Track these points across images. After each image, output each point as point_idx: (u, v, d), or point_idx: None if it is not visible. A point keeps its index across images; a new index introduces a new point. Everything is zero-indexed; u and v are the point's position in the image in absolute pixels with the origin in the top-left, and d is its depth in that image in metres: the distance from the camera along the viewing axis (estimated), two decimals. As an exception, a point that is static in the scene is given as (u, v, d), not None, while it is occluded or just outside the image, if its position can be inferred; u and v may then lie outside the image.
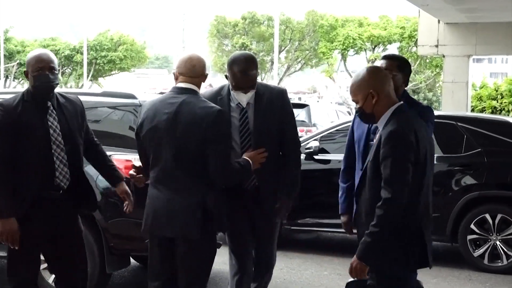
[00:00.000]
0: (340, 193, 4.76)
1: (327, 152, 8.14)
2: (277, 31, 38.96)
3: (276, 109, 4.55)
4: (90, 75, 48.05)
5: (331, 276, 7.13)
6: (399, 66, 4.48)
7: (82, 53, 46.47)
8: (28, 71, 4.23)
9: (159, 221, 4.03)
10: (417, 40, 18.43)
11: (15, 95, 4.29)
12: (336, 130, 8.37)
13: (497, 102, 15.69)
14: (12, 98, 4.23)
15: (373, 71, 3.74)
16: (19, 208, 4.09)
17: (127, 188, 4.55)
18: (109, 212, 5.79)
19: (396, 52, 40.52)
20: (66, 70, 49.99)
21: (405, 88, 4.58)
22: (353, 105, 4.88)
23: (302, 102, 21.74)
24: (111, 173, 4.59)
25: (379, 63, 4.55)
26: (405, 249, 3.52)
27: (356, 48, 43.50)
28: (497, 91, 16.00)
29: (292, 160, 4.65)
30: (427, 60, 40.84)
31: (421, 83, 44.26)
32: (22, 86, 43.47)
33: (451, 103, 15.58)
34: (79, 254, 4.39)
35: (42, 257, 4.44)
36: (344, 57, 44.00)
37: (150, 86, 64.90)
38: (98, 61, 48.53)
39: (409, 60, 39.84)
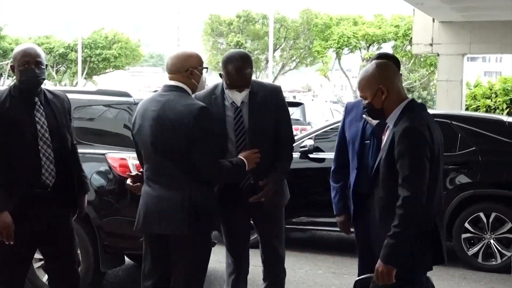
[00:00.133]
0: (333, 193, 4.72)
1: (322, 151, 8.14)
2: (272, 29, 38.99)
3: (271, 107, 4.52)
4: (84, 73, 47.99)
5: (325, 275, 7.13)
6: (394, 63, 4.46)
7: (76, 51, 46.43)
8: (14, 66, 4.16)
9: (149, 218, 4.01)
10: (411, 38, 18.43)
11: (1, 90, 4.23)
12: (331, 128, 8.38)
13: (491, 101, 15.70)
14: None
15: (382, 66, 3.67)
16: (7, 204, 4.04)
17: (85, 202, 4.48)
18: (103, 210, 5.78)
19: (390, 51, 40.58)
20: (61, 68, 49.93)
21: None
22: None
23: (296, 100, 21.74)
24: (79, 182, 4.45)
25: (372, 62, 4.50)
26: (421, 247, 3.45)
27: (350, 47, 43.58)
28: (491, 90, 16.02)
29: (285, 153, 4.61)
30: (422, 59, 40.92)
31: (415, 81, 44.35)
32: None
33: (446, 102, 15.59)
34: (69, 254, 4.34)
35: (38, 256, 4.42)
36: (338, 56, 44.07)
37: (145, 84, 64.82)
38: (92, 59, 48.46)
39: (404, 59, 40.00)
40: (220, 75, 4.49)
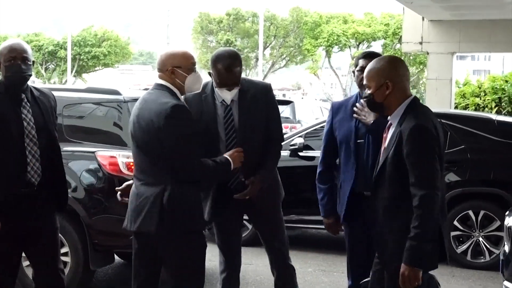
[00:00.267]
0: (320, 195, 4.66)
1: (312, 149, 8.15)
2: (262, 27, 39.01)
3: (261, 105, 4.51)
4: (73, 71, 47.79)
5: (315, 273, 7.15)
6: None
7: (65, 49, 46.21)
8: (0, 62, 4.09)
9: (129, 215, 3.98)
10: (401, 37, 18.49)
11: None
12: (321, 127, 8.36)
13: (480, 99, 15.74)
14: None
15: (394, 62, 3.65)
16: None
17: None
18: (93, 208, 5.77)
19: (380, 49, 40.69)
20: (50, 66, 49.71)
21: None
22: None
23: (286, 98, 21.83)
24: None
25: (360, 61, 4.48)
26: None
27: (340, 45, 43.60)
28: (480, 88, 16.06)
29: (273, 151, 4.60)
30: (411, 57, 40.99)
31: (405, 80, 44.38)
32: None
33: (435, 100, 15.63)
34: (53, 257, 4.26)
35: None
36: (328, 54, 44.09)
37: (135, 82, 64.71)
38: (82, 57, 48.26)
39: (393, 57, 40.18)
40: (210, 73, 4.47)
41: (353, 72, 4.55)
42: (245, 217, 4.88)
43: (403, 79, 3.60)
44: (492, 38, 15.64)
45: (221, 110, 4.46)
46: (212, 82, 4.48)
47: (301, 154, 8.12)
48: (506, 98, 15.40)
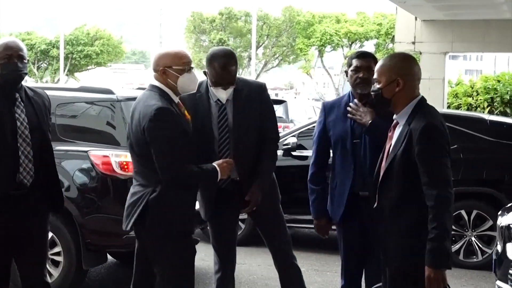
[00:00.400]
0: (312, 196, 4.60)
1: (305, 149, 8.14)
2: (255, 27, 38.98)
3: (255, 104, 4.51)
4: (66, 70, 47.66)
5: (308, 272, 7.14)
6: (375, 63, 4.43)
7: (58, 48, 46.04)
8: None
9: (124, 215, 4.02)
10: (394, 37, 18.52)
11: None
12: (314, 126, 8.37)
13: (473, 99, 15.79)
14: None
15: (408, 60, 3.63)
16: None
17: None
18: (86, 208, 5.76)
19: (373, 49, 40.74)
20: (42, 65, 49.55)
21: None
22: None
23: (279, 98, 21.80)
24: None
25: (354, 61, 4.42)
26: (425, 245, 3.38)
27: (333, 45, 43.61)
28: (472, 88, 16.11)
29: (269, 152, 4.59)
30: (404, 57, 41.01)
31: (397, 79, 44.46)
32: None
33: (428, 100, 15.47)
34: (39, 257, 4.17)
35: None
36: (321, 54, 44.10)
37: (127, 81, 64.62)
38: (74, 56, 48.12)
39: (386, 57, 40.42)
40: (205, 73, 4.46)
41: (346, 72, 4.51)
42: (240, 217, 4.89)
43: (414, 78, 3.58)
44: (486, 38, 15.71)
45: (215, 109, 4.45)
46: (207, 81, 4.46)
47: (294, 153, 8.11)
48: (498, 98, 15.45)
